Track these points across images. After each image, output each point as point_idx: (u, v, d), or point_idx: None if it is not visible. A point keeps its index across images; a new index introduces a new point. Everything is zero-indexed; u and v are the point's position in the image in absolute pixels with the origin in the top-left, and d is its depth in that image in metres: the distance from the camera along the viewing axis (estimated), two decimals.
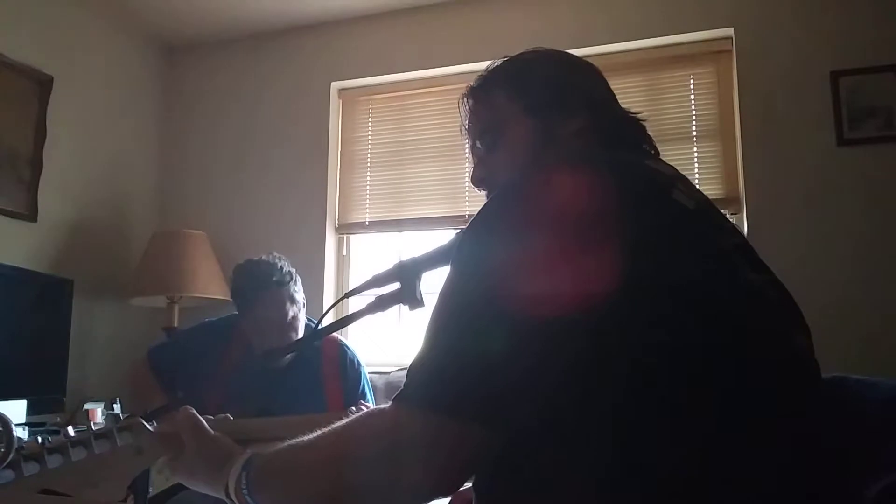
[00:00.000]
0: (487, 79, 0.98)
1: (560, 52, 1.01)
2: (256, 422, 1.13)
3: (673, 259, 0.70)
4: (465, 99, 0.99)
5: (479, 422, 0.67)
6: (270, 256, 2.15)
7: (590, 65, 1.00)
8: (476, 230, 0.75)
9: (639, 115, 0.96)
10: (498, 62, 0.99)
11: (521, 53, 1.00)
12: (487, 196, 0.96)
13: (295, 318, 2.09)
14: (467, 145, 1.01)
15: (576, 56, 1.01)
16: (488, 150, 0.96)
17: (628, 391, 0.66)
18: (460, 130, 1.01)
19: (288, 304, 2.07)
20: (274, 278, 2.06)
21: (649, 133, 0.96)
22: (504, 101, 0.94)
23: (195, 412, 0.91)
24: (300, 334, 2.11)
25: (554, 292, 0.67)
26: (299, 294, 2.13)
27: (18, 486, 0.74)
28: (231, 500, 0.81)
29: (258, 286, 2.05)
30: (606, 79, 1.00)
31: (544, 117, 0.91)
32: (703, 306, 0.69)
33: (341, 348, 2.21)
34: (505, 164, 0.93)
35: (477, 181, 0.97)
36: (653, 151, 0.94)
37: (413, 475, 0.69)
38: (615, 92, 1.00)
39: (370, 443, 0.72)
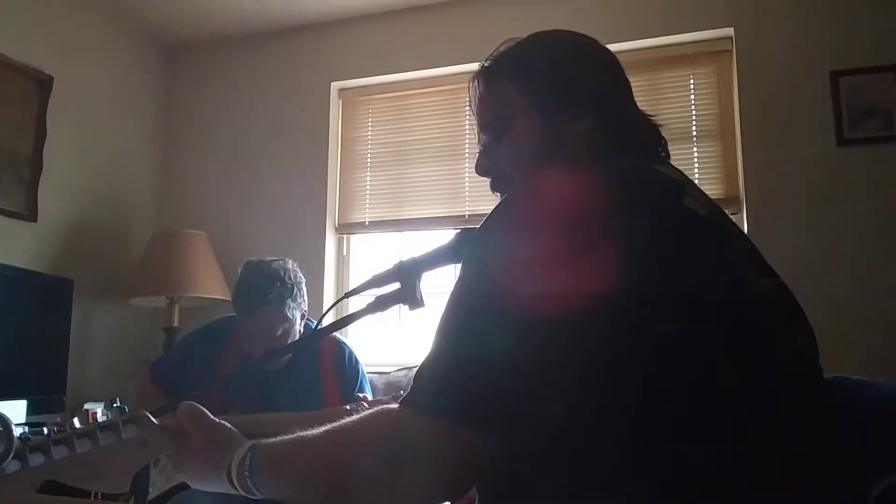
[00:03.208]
0: (498, 64, 0.95)
1: (578, 40, 0.97)
2: (257, 418, 1.12)
3: (683, 264, 0.70)
4: (476, 81, 0.97)
5: (489, 429, 0.67)
6: (279, 263, 2.12)
7: (607, 57, 0.96)
8: (486, 234, 0.75)
9: (652, 117, 0.94)
10: (511, 44, 0.96)
11: (537, 37, 0.97)
12: (491, 186, 0.96)
13: (286, 333, 2.06)
14: (475, 128, 0.99)
15: (594, 46, 0.97)
16: (494, 141, 0.94)
17: (638, 393, 0.66)
18: (469, 105, 0.99)
19: (278, 323, 2.05)
20: (270, 295, 2.03)
21: (662, 134, 0.94)
22: (512, 93, 0.92)
23: (197, 404, 0.91)
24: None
25: (564, 296, 0.67)
26: (297, 310, 2.10)
27: (24, 476, 0.75)
28: (232, 483, 0.81)
29: (251, 301, 2.04)
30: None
31: (551, 116, 0.89)
32: (710, 310, 0.69)
33: (339, 346, 2.21)
34: (509, 157, 0.92)
35: (481, 170, 0.96)
36: (663, 154, 0.92)
37: (420, 479, 0.69)
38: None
39: (376, 444, 0.72)
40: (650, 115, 0.95)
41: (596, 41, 0.98)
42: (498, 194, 0.95)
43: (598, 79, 0.93)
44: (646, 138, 0.93)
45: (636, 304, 0.66)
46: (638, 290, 0.67)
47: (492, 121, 0.95)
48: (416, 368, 0.73)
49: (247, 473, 0.79)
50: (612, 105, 0.92)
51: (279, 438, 0.81)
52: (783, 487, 0.68)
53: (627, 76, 0.97)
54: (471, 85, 0.98)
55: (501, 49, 0.97)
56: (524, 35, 0.99)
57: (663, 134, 0.94)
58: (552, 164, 0.85)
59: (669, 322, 0.67)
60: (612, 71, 0.96)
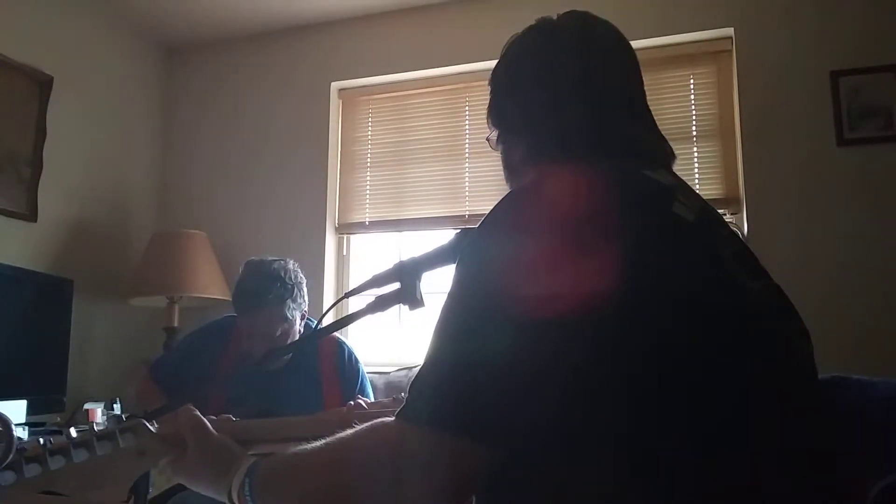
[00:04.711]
0: (491, 79, 0.99)
1: (589, 31, 0.95)
2: (258, 422, 1.12)
3: (672, 270, 0.70)
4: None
5: (479, 438, 0.67)
6: (280, 263, 2.11)
7: (612, 51, 0.93)
8: (479, 237, 0.75)
9: (639, 118, 0.92)
10: (499, 61, 0.98)
11: (507, 52, 0.98)
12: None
13: (285, 333, 2.06)
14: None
15: (606, 36, 0.95)
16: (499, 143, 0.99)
17: (630, 397, 0.66)
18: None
19: (278, 323, 2.04)
20: (270, 295, 2.02)
21: (662, 135, 0.92)
22: (490, 114, 0.98)
23: (198, 412, 0.91)
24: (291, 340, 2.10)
25: (558, 299, 0.67)
26: (297, 310, 2.09)
27: (20, 487, 0.74)
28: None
29: (251, 301, 2.04)
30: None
31: (502, 143, 0.96)
32: (702, 314, 0.69)
33: (339, 345, 2.21)
34: (507, 161, 0.98)
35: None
36: (662, 154, 0.90)
37: (415, 491, 0.68)
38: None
39: (373, 458, 0.71)
40: (655, 117, 0.94)
41: (614, 32, 0.96)
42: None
43: (605, 78, 0.91)
44: (643, 141, 0.91)
45: (627, 305, 0.66)
46: (626, 294, 0.66)
47: (492, 129, 0.99)
48: (413, 378, 0.72)
49: (248, 497, 0.79)
50: (613, 106, 0.90)
51: (276, 458, 0.81)
52: (781, 487, 0.68)
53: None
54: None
55: (510, 43, 0.99)
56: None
57: (663, 133, 0.93)
58: (548, 166, 0.85)
59: (661, 324, 0.67)
60: (623, 68, 0.94)
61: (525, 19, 1.00)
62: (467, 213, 3.04)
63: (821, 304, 2.24)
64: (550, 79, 0.91)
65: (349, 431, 0.75)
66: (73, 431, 0.80)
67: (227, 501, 0.82)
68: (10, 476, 0.74)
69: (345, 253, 3.27)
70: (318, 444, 0.77)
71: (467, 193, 3.07)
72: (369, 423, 0.75)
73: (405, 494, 0.68)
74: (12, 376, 2.39)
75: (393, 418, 0.72)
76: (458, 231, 0.94)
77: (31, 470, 0.75)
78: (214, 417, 0.96)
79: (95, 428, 0.81)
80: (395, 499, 0.69)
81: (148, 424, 0.86)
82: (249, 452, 0.87)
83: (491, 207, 0.76)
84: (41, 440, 0.78)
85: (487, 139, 1.00)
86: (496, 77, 0.97)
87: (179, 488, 1.65)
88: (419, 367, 0.72)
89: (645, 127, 0.92)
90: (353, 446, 0.74)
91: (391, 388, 2.64)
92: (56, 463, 0.77)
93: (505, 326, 0.67)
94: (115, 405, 2.81)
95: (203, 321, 2.38)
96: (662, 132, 0.93)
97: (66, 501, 0.78)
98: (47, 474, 0.76)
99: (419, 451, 0.68)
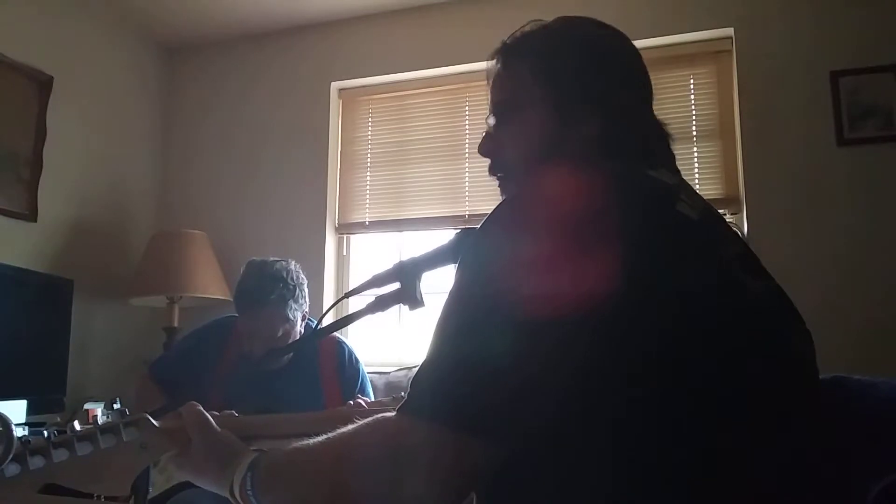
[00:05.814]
0: (521, 46, 0.93)
1: (606, 36, 0.94)
2: (261, 418, 1.13)
3: (675, 269, 0.70)
4: (497, 56, 0.94)
5: (480, 434, 0.67)
6: (282, 264, 2.11)
7: (631, 54, 0.94)
8: (482, 236, 0.74)
9: (662, 123, 0.92)
10: (537, 27, 0.94)
11: (566, 26, 0.94)
12: (490, 169, 0.94)
13: (286, 334, 2.06)
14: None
15: (620, 42, 0.95)
16: (500, 123, 0.93)
17: (631, 396, 0.66)
18: (487, 81, 0.96)
19: (279, 324, 2.04)
20: (272, 296, 2.02)
21: (668, 135, 0.92)
22: (529, 80, 0.89)
23: (201, 408, 0.91)
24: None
25: (563, 298, 0.67)
26: (299, 311, 2.09)
27: (24, 480, 0.75)
28: (235, 499, 0.81)
29: (253, 301, 2.04)
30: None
31: (563, 113, 0.87)
32: (704, 314, 0.69)
33: (339, 346, 2.21)
34: (511, 144, 0.91)
35: (484, 151, 0.94)
36: (666, 155, 0.90)
37: (415, 486, 0.68)
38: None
39: (373, 452, 0.71)
40: (659, 121, 0.93)
41: (623, 35, 0.95)
42: (497, 179, 0.94)
43: (619, 82, 0.91)
44: (648, 141, 0.90)
45: (628, 304, 0.66)
46: (628, 294, 0.66)
47: (502, 102, 0.93)
48: (414, 374, 0.72)
49: (249, 493, 0.79)
50: (625, 108, 0.90)
51: (278, 453, 0.81)
52: (781, 487, 0.68)
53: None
54: (490, 61, 0.95)
55: (526, 29, 0.94)
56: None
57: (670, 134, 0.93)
58: (552, 165, 0.85)
59: (662, 324, 0.67)
60: (634, 71, 0.94)
61: (524, 19, 0.99)
62: (467, 213, 3.04)
63: (821, 304, 2.24)
64: (551, 81, 0.91)
65: (350, 427, 0.75)
66: (76, 425, 0.81)
67: (229, 496, 0.82)
68: (14, 468, 0.74)
69: (345, 253, 3.27)
70: (319, 438, 0.77)
71: (467, 193, 3.07)
72: (371, 418, 0.75)
73: (406, 489, 0.68)
74: (12, 376, 2.39)
75: (394, 413, 0.72)
76: (459, 231, 0.94)
77: (36, 462, 0.76)
78: (217, 413, 0.96)
79: (98, 423, 0.82)
80: (396, 493, 0.69)
81: (151, 419, 0.86)
82: (252, 448, 0.87)
83: (491, 207, 0.76)
84: (45, 433, 0.79)
85: (479, 149, 0.96)
86: (522, 58, 0.92)
87: (180, 488, 1.66)
88: (420, 364, 0.72)
89: (649, 128, 0.92)
90: (354, 441, 0.74)
91: (391, 388, 2.64)
92: (60, 455, 0.77)
93: (507, 326, 0.67)
94: (115, 405, 2.80)
95: (203, 321, 2.38)
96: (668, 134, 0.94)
97: (69, 500, 0.78)
98: (51, 467, 0.77)
99: (420, 447, 0.68)
